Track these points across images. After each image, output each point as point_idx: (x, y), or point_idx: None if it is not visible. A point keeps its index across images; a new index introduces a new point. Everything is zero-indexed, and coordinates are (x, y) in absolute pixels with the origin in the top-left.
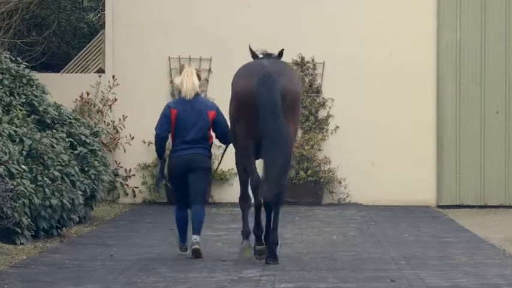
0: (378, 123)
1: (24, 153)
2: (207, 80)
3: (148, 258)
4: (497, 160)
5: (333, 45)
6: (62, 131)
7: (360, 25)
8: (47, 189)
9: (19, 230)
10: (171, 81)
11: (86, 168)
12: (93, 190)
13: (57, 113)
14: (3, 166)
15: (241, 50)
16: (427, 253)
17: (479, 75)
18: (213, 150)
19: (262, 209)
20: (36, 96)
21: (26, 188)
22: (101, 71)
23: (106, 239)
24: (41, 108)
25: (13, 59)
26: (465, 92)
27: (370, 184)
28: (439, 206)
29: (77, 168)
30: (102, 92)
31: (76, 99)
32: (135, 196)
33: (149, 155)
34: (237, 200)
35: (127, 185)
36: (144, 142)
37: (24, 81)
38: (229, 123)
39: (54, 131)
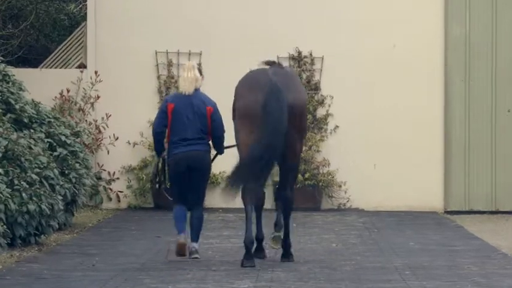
0: (381, 122)
1: (0, 154)
2: None
3: (133, 268)
4: (509, 162)
5: (333, 39)
6: (41, 131)
7: (361, 17)
8: (24, 194)
9: None
10: (158, 77)
11: (66, 171)
12: (74, 195)
13: (35, 112)
14: None
15: (234, 43)
16: (434, 262)
17: (490, 71)
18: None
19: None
20: (12, 93)
21: (1, 193)
22: (82, 66)
23: (88, 247)
24: (17, 107)
25: None
26: (475, 89)
27: (372, 188)
28: (446, 212)
29: (56, 171)
30: (83, 88)
31: (56, 97)
32: (119, 201)
33: (134, 157)
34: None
35: (110, 189)
36: (129, 143)
37: (0, 77)
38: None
39: (31, 131)
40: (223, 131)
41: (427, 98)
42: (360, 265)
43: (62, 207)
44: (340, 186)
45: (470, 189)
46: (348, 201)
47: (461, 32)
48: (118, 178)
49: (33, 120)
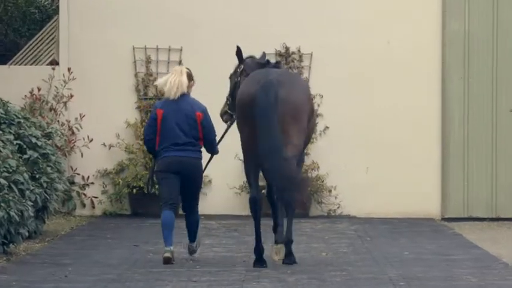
0: (374, 123)
1: None
2: None
3: (108, 279)
4: (511, 166)
5: (322, 34)
6: (9, 132)
7: (352, 10)
8: None
9: None
10: (136, 75)
11: (37, 176)
12: (45, 200)
13: (3, 112)
14: None
15: (217, 39)
16: (430, 273)
17: (490, 68)
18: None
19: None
20: None
21: None
22: (54, 62)
23: (60, 257)
24: None
25: None
26: (474, 87)
27: (364, 193)
28: (444, 219)
29: (26, 176)
30: (55, 87)
31: (25, 96)
32: (93, 207)
33: (110, 160)
34: (212, 212)
35: (84, 195)
36: (105, 145)
37: None
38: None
39: (0, 132)
40: (215, 135)
41: (423, 97)
42: (351, 276)
43: (32, 214)
44: (330, 191)
45: (470, 195)
46: (338, 207)
47: (459, 27)
48: (93, 183)
49: (2, 121)
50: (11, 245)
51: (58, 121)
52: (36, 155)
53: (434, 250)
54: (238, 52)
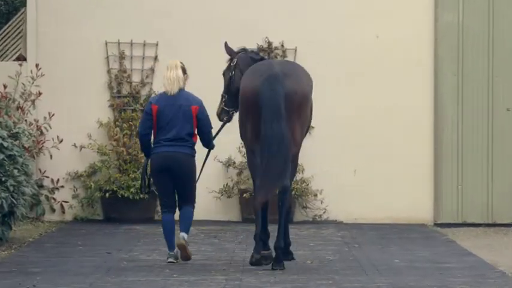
0: (362, 122)
1: None
2: (152, 70)
3: None
4: (508, 168)
5: (307, 27)
6: None
7: (339, 2)
8: None
9: None
10: (109, 71)
11: (3, 179)
12: (12, 205)
13: None
14: None
15: (194, 34)
16: (422, 282)
17: (486, 63)
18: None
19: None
20: None
21: None
22: (21, 58)
23: (28, 265)
24: None
25: None
26: (469, 84)
27: (352, 197)
28: (436, 224)
29: None
30: (23, 84)
31: None
32: (63, 212)
33: (82, 162)
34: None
35: (54, 199)
36: (75, 146)
37: None
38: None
39: None
40: (211, 127)
41: (414, 95)
42: (338, 285)
43: None
44: (315, 195)
45: (464, 199)
46: (324, 212)
47: (453, 19)
48: (62, 186)
49: None
50: None
51: (26, 120)
52: (2, 156)
53: (426, 258)
54: (227, 47)
